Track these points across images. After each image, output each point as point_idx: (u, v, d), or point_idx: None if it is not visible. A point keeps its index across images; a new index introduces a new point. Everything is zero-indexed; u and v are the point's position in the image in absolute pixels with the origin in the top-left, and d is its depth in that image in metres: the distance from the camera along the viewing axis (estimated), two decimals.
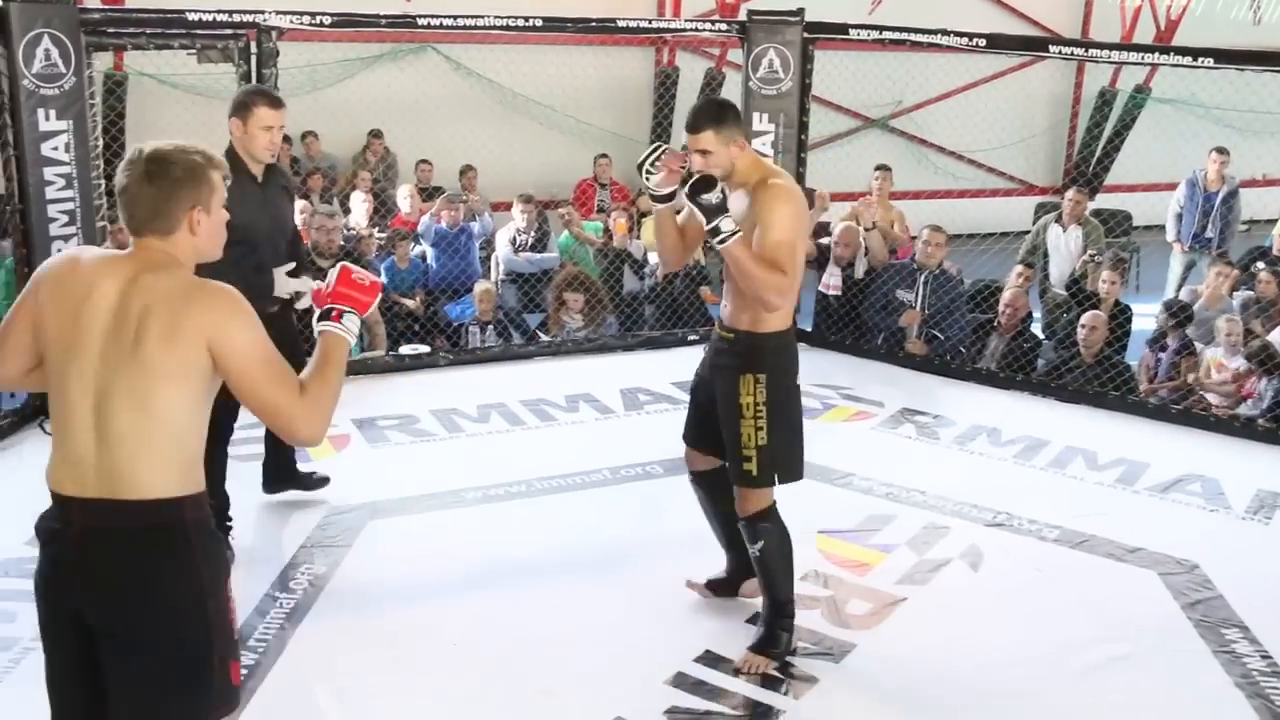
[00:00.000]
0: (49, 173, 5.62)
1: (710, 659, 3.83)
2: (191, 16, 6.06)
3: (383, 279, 7.91)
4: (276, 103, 4.40)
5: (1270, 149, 11.05)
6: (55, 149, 5.64)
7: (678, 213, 3.78)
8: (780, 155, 7.30)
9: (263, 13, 6.16)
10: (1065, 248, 8.24)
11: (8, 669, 3.65)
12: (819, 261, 7.83)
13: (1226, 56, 6.31)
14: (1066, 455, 5.80)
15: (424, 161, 10.11)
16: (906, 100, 12.34)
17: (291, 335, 4.55)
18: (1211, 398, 6.52)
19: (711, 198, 3.41)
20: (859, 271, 7.54)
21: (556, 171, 10.70)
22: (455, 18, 6.81)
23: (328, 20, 6.40)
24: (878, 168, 8.75)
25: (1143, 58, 6.96)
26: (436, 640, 3.94)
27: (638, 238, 8.76)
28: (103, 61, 8.91)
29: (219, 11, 6.10)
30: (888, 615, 4.19)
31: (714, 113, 3.59)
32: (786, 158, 7.31)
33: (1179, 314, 6.95)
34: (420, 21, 6.83)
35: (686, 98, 11.28)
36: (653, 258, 8.29)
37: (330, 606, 4.14)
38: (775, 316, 3.65)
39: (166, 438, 2.32)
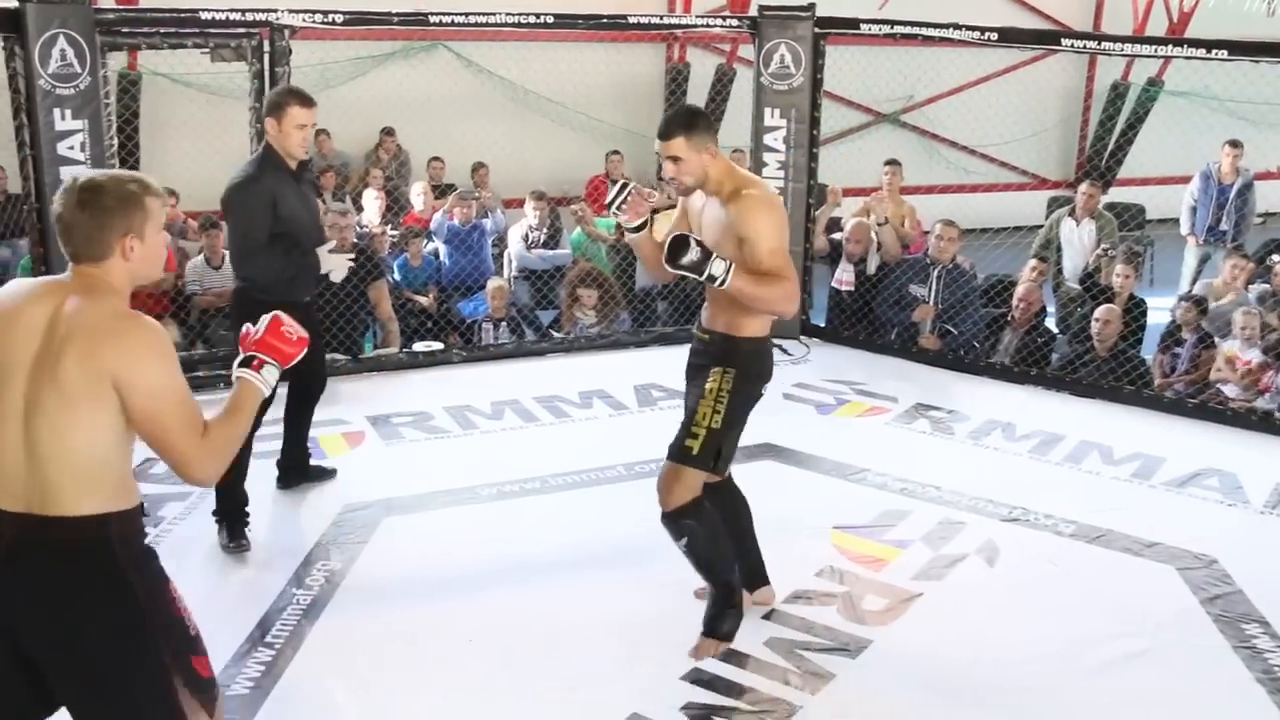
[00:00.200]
0: (65, 172, 5.62)
1: (726, 655, 3.82)
2: (205, 15, 6.07)
3: (395, 276, 7.94)
4: (309, 102, 4.51)
5: None
6: (71, 148, 5.67)
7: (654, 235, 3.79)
8: (792, 150, 7.30)
9: (276, 11, 6.17)
10: (1079, 241, 8.21)
11: None
12: (831, 257, 7.82)
13: (1240, 48, 6.28)
14: (1082, 450, 5.78)
15: (436, 159, 10.11)
16: (918, 95, 12.29)
17: (314, 326, 4.67)
18: (1229, 391, 6.49)
19: (692, 256, 3.40)
20: (871, 267, 7.53)
21: (568, 168, 10.69)
22: (467, 15, 6.82)
23: (340, 18, 6.41)
24: (887, 162, 8.73)
25: (1156, 50, 6.95)
26: (452, 636, 3.95)
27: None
28: (117, 61, 8.93)
29: (232, 10, 6.12)
30: (904, 611, 4.18)
31: (685, 120, 3.58)
32: (798, 153, 7.30)
33: (1198, 304, 6.91)
34: (432, 19, 6.83)
35: (698, 94, 11.31)
36: None
37: (347, 602, 4.16)
38: (752, 321, 3.66)
39: (90, 458, 2.35)
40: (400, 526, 4.79)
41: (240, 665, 3.71)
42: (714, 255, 3.43)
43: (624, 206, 3.72)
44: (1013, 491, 5.20)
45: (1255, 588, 4.34)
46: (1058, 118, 13.60)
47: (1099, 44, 7.20)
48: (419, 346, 7.22)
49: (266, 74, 6.18)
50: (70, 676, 2.41)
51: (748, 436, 5.61)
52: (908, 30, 7.23)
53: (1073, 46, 7.20)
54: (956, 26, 7.01)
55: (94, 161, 5.74)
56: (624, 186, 3.75)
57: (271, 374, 2.58)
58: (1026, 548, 4.72)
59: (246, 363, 2.57)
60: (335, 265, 4.69)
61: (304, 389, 4.93)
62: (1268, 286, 7.68)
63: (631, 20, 7.53)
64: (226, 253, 7.56)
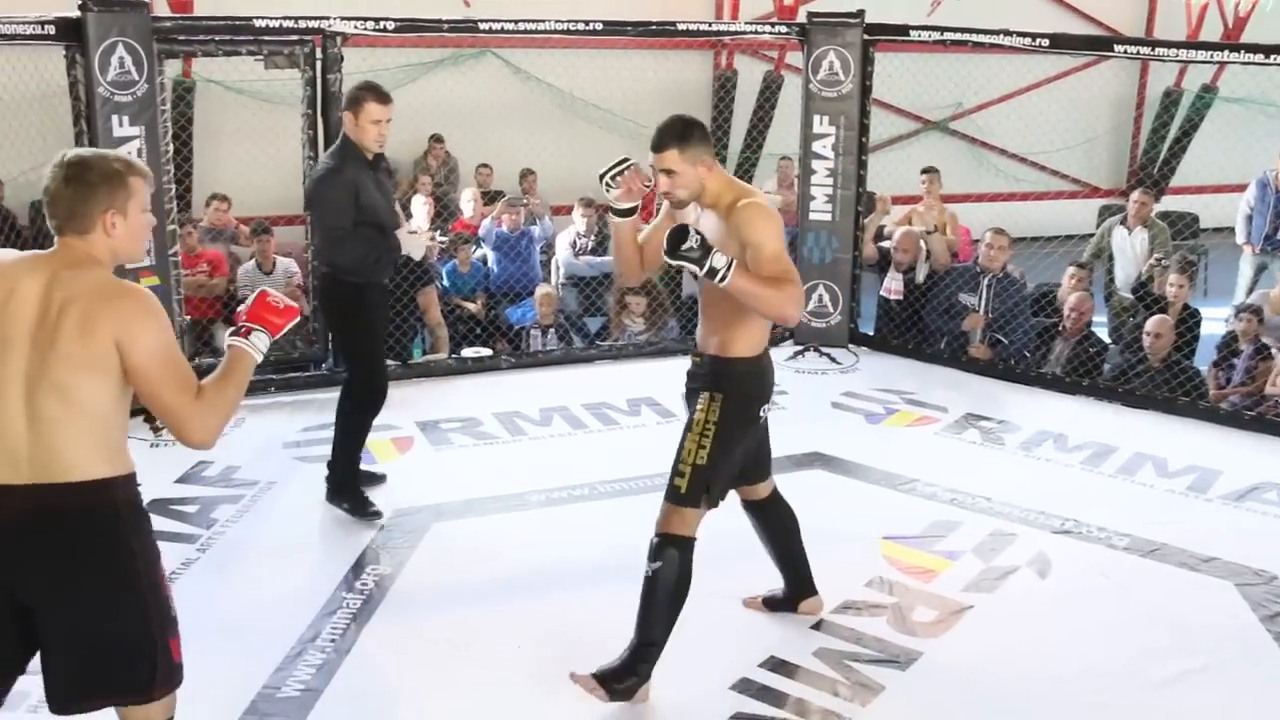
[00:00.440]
0: None
1: (775, 665, 3.81)
2: (259, 23, 6.14)
3: (444, 282, 7.99)
4: (385, 98, 4.69)
5: None
6: (128, 154, 5.72)
7: (639, 229, 3.67)
8: (841, 158, 7.26)
9: (328, 18, 6.23)
10: (1131, 250, 8.10)
11: None
12: (880, 265, 7.78)
13: None
14: (1135, 462, 5.70)
15: (484, 165, 10.17)
16: (966, 102, 12.22)
17: (385, 304, 5.18)
18: None
19: (692, 246, 3.23)
20: (920, 275, 7.47)
21: None
22: (517, 22, 6.85)
23: (391, 25, 6.46)
24: (924, 170, 8.66)
25: (1212, 56, 6.84)
26: (501, 641, 3.95)
27: None
28: (172, 68, 9.05)
29: (285, 18, 6.18)
30: (954, 623, 4.14)
31: (679, 131, 3.44)
32: (847, 160, 7.26)
33: (1256, 314, 6.79)
34: (482, 26, 6.86)
35: (746, 101, 11.29)
36: None
37: (396, 607, 4.18)
38: (744, 342, 3.53)
39: (91, 423, 2.46)
40: (449, 532, 4.81)
41: (291, 668, 3.73)
42: (715, 250, 3.27)
43: (619, 180, 3.57)
44: (1065, 503, 5.14)
45: None
46: (1108, 125, 13.46)
47: (1153, 49, 7.12)
48: (468, 352, 7.26)
49: (319, 81, 6.24)
50: (66, 636, 2.49)
51: (796, 445, 5.68)
52: (958, 36, 7.17)
53: (1126, 52, 7.13)
54: (1007, 33, 6.94)
55: (150, 168, 5.77)
56: (623, 161, 3.60)
57: (260, 340, 2.69)
58: (1079, 561, 4.66)
59: (236, 332, 2.69)
60: (415, 245, 4.89)
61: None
62: None
63: (681, 27, 7.53)
64: (277, 258, 7.72)
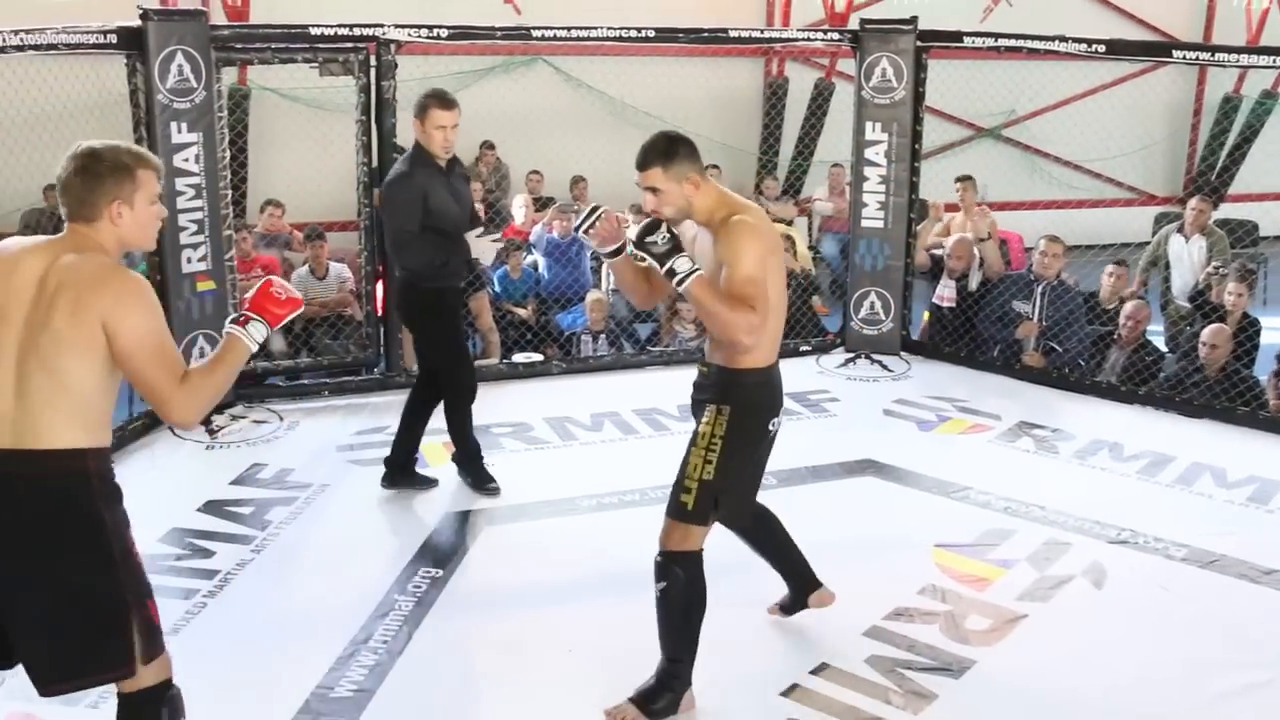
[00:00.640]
0: (180, 183, 5.81)
1: (826, 672, 3.79)
2: (314, 31, 6.22)
3: (495, 288, 8.03)
4: (449, 104, 4.80)
5: None
6: (186, 160, 5.83)
7: (641, 260, 3.52)
8: (893, 165, 7.22)
9: (382, 26, 6.30)
10: (1188, 258, 8.00)
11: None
12: (933, 273, 7.72)
13: None
14: (1193, 472, 5.62)
15: (535, 172, 10.22)
16: (1019, 109, 12.11)
17: (460, 307, 5.29)
18: None
19: (656, 240, 3.26)
20: (973, 283, 7.42)
21: None
22: (569, 29, 6.88)
23: (445, 33, 6.52)
24: (959, 179, 8.57)
25: (1274, 61, 6.73)
26: (552, 645, 3.97)
27: None
28: (229, 76, 9.19)
29: (340, 25, 6.26)
30: (1008, 632, 4.10)
31: (663, 149, 3.37)
32: (899, 167, 7.22)
33: None
34: (534, 33, 6.91)
35: (797, 108, 11.27)
36: None
37: (448, 610, 4.20)
38: (752, 353, 3.45)
39: (74, 398, 2.55)
40: (500, 536, 4.83)
41: (344, 669, 3.76)
42: (684, 253, 3.27)
43: (592, 231, 3.51)
44: (1120, 513, 5.07)
45: None
46: (1165, 131, 13.28)
47: (1212, 55, 6.98)
48: (519, 358, 7.29)
49: (373, 88, 6.31)
50: (35, 605, 2.54)
51: (849, 452, 5.66)
52: (1012, 43, 7.10)
53: (1184, 58, 7.02)
54: (1063, 39, 6.88)
55: (207, 174, 5.90)
56: (593, 210, 3.54)
57: (258, 330, 2.75)
58: (1136, 571, 4.59)
59: (236, 320, 2.75)
60: (483, 250, 4.95)
61: (432, 389, 5.06)
62: None
63: (732, 34, 7.53)
64: (330, 263, 7.80)
